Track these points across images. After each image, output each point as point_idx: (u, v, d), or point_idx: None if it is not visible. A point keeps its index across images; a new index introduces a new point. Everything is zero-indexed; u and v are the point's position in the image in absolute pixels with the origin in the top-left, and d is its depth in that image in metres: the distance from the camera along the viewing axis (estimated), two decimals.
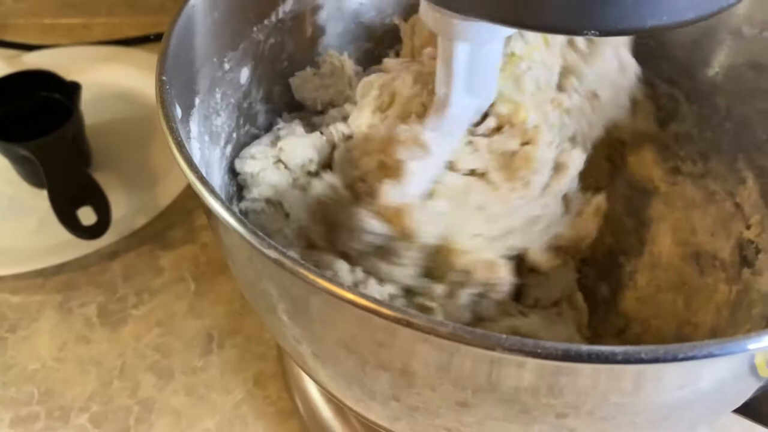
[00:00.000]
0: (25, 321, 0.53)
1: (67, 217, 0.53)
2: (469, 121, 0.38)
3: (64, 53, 0.72)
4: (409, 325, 0.22)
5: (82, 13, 0.78)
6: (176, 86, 0.31)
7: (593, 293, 0.42)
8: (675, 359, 0.21)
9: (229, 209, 0.25)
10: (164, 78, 0.30)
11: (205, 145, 0.35)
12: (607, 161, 0.44)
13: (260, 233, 0.24)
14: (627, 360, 0.21)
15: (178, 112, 0.30)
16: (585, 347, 0.21)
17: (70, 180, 0.55)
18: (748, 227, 0.40)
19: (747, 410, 0.34)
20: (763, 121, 0.39)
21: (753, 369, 0.28)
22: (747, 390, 0.31)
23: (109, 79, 0.68)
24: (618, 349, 0.21)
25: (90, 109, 0.62)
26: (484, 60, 0.34)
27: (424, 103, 0.37)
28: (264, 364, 0.50)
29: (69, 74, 0.61)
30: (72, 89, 0.59)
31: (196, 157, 0.33)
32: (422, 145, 0.35)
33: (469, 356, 0.24)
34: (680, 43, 0.42)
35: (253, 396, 0.49)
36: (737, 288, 0.39)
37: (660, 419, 0.30)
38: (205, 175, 0.29)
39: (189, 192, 0.58)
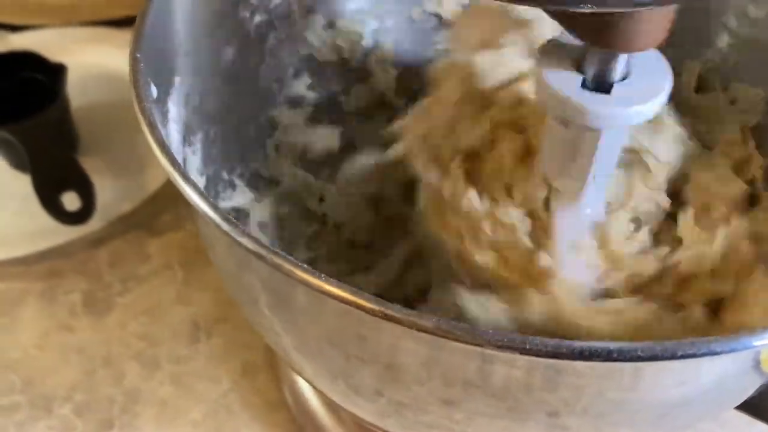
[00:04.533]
0: (8, 308, 0.52)
1: (50, 203, 0.51)
2: (590, 224, 0.34)
3: (51, 34, 0.70)
4: (389, 318, 0.21)
5: None
6: (153, 65, 0.30)
7: None
8: (673, 357, 0.20)
9: (203, 195, 0.24)
10: (138, 55, 0.28)
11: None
12: None
13: (234, 221, 0.23)
14: (622, 357, 0.20)
15: (154, 91, 0.29)
16: (577, 343, 0.20)
17: (54, 164, 0.53)
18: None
19: (748, 406, 0.33)
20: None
21: (757, 365, 0.27)
22: (750, 386, 0.30)
23: (96, 61, 0.66)
24: (613, 345, 0.20)
25: (77, 91, 0.60)
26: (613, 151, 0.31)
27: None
28: (252, 353, 0.49)
29: (55, 55, 0.59)
30: (57, 71, 0.58)
31: (175, 140, 0.31)
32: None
33: (455, 351, 0.23)
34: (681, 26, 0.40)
35: (241, 386, 0.48)
36: None
37: (658, 417, 0.29)
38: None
39: None
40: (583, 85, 0.28)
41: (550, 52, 0.29)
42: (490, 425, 0.28)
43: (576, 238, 0.33)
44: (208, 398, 0.47)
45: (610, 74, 0.28)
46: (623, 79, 0.28)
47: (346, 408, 0.33)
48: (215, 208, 0.23)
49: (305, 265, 0.22)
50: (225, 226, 0.23)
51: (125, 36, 0.69)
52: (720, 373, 0.27)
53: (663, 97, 0.28)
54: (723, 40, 0.38)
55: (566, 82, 0.28)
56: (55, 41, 0.67)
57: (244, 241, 0.22)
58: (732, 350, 0.20)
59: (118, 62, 0.66)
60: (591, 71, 0.28)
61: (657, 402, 0.27)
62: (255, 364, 0.49)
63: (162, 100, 0.31)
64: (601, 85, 0.28)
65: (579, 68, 0.28)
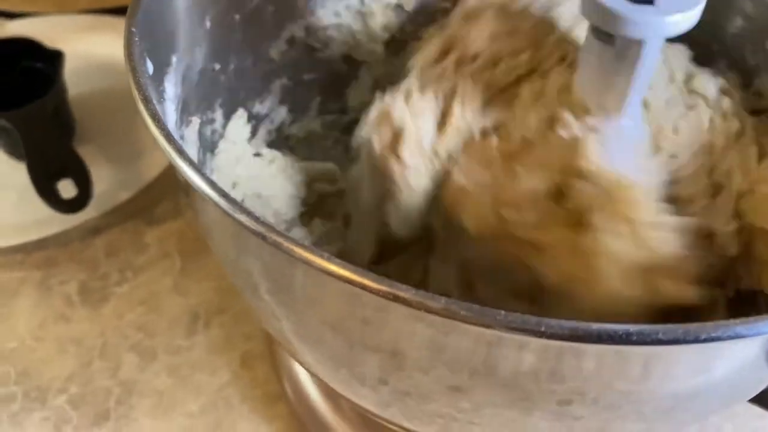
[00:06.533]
0: (4, 298, 0.51)
1: (46, 191, 0.50)
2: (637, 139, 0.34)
3: (48, 21, 0.69)
4: (396, 299, 0.20)
5: None
6: (149, 41, 0.29)
7: None
8: (696, 340, 0.19)
9: (199, 171, 0.23)
10: (133, 30, 0.27)
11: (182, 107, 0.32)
12: None
13: (232, 198, 0.22)
14: (642, 341, 0.19)
15: (150, 67, 0.28)
16: (595, 325, 0.19)
17: (51, 152, 0.52)
18: None
19: (759, 399, 0.32)
20: None
21: None
22: (764, 379, 0.29)
23: (94, 48, 0.65)
24: (633, 327, 0.19)
25: (74, 78, 0.59)
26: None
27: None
28: (251, 344, 0.48)
29: (53, 43, 0.58)
30: (54, 58, 0.57)
31: (171, 120, 0.30)
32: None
33: (465, 335, 0.22)
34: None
35: (240, 377, 0.47)
36: None
37: (668, 409, 0.28)
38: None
39: None
40: None
41: None
42: (496, 415, 0.27)
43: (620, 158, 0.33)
44: (206, 390, 0.46)
45: None
46: None
47: (347, 397, 0.32)
48: (212, 184, 0.22)
49: (306, 244, 0.21)
50: (222, 203, 0.22)
51: (123, 24, 0.68)
52: (735, 364, 0.26)
53: (700, 6, 0.29)
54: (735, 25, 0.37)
55: None
56: (53, 28, 0.66)
57: (243, 218, 0.21)
58: (758, 333, 0.19)
59: (116, 50, 0.65)
60: None
61: (667, 393, 0.26)
62: (254, 355, 0.48)
63: (158, 78, 0.30)
64: None
65: None
